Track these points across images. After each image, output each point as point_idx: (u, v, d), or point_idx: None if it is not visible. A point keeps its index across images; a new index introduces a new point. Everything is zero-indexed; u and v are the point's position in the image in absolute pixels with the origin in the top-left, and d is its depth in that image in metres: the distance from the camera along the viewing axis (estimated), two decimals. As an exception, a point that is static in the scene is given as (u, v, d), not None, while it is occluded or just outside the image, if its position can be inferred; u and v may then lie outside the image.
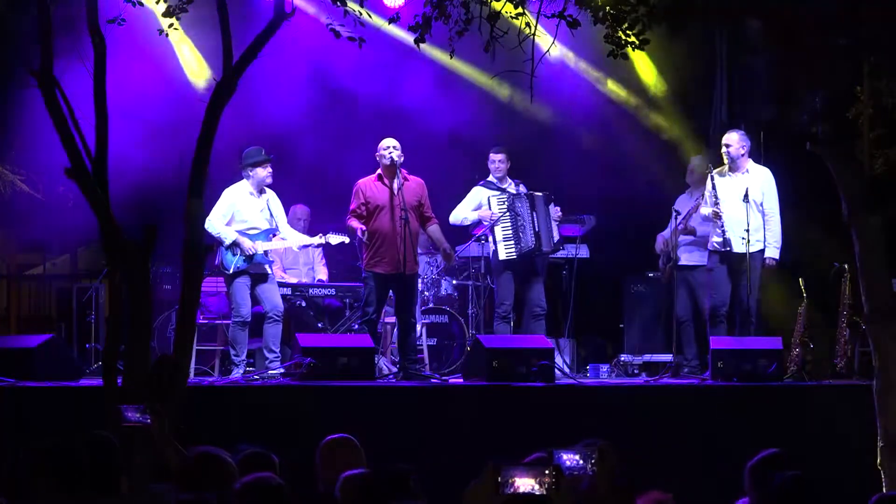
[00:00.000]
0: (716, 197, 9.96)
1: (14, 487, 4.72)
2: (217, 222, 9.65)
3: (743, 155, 10.06)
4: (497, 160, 10.52)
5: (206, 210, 8.70)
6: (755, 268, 9.87)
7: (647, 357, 10.95)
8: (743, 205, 9.86)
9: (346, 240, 10.20)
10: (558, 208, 10.43)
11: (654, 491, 4.76)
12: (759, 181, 10.02)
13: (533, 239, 10.22)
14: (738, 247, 9.91)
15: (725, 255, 9.98)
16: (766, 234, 9.91)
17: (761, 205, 9.96)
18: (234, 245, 9.70)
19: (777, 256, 9.96)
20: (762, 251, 9.92)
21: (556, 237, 10.45)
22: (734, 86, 11.77)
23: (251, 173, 9.84)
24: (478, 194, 10.47)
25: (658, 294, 11.13)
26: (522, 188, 10.53)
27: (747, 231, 9.76)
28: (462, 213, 10.45)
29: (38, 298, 12.15)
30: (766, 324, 10.22)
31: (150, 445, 5.40)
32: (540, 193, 10.41)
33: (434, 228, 9.88)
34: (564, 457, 3.92)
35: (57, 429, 7.46)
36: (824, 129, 6.59)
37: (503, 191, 10.45)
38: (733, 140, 10.07)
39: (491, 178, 10.56)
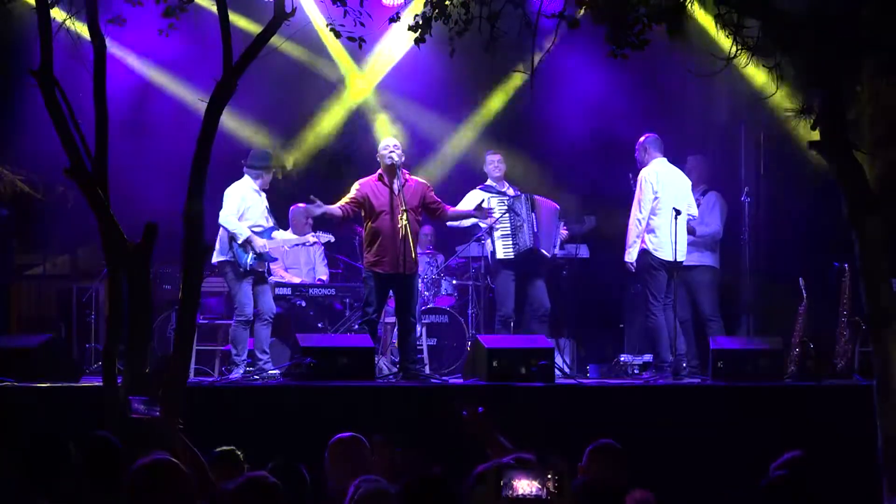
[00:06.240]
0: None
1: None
2: (232, 218, 9.70)
3: (644, 163, 10.13)
4: (496, 160, 10.52)
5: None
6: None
7: (647, 357, 10.94)
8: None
9: (332, 238, 10.38)
10: (566, 231, 10.46)
11: (638, 490, 4.72)
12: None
13: (531, 238, 10.20)
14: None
15: None
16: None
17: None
18: (247, 242, 9.70)
19: (627, 258, 10.06)
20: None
21: (557, 250, 10.44)
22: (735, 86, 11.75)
23: (260, 174, 9.86)
24: (475, 197, 10.40)
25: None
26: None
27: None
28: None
29: (38, 298, 12.14)
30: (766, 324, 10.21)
31: (157, 442, 5.38)
32: (554, 206, 10.41)
33: (451, 212, 9.89)
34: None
35: (52, 429, 7.49)
36: (824, 130, 6.57)
37: (503, 193, 10.43)
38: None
39: (489, 181, 10.55)
